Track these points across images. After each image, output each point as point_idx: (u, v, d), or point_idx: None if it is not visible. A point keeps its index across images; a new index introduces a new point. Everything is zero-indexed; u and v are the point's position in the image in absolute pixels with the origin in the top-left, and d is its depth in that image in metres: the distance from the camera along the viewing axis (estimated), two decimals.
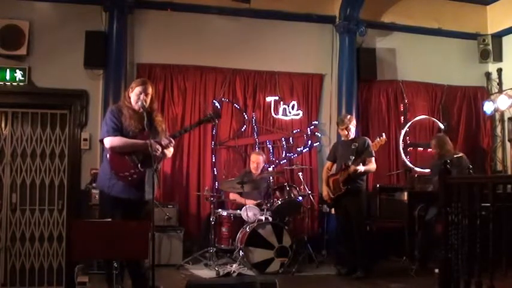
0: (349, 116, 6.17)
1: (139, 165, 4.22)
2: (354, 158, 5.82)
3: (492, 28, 8.29)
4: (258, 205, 6.35)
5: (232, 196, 6.82)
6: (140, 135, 4.25)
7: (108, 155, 4.33)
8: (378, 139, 5.85)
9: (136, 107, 4.33)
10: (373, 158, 5.88)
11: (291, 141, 7.51)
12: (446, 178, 4.15)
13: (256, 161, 6.78)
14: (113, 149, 4.25)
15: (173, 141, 4.33)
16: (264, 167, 6.97)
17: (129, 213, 4.13)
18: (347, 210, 5.91)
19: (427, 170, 7.00)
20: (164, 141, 4.26)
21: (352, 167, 5.72)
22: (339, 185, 5.89)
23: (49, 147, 6.88)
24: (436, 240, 5.63)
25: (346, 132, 6.01)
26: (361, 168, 5.75)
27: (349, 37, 7.57)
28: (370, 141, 5.96)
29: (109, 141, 4.27)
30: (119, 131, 4.26)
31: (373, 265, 5.84)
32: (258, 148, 7.32)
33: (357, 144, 5.88)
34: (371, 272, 5.74)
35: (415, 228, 6.01)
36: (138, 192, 4.23)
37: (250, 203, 6.30)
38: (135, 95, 4.35)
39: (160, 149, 4.23)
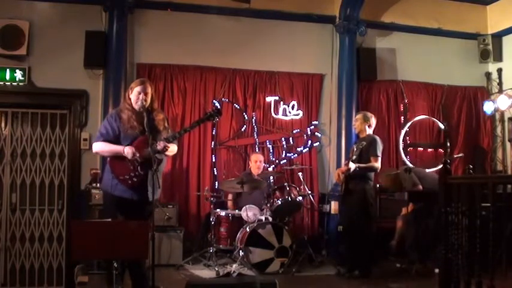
0: (357, 115, 6.18)
1: (139, 167, 4.22)
2: (355, 157, 5.83)
3: (492, 28, 8.28)
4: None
5: (228, 197, 6.83)
6: (141, 137, 4.24)
7: (108, 158, 4.35)
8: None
9: (136, 107, 4.33)
10: (379, 158, 5.79)
11: (291, 141, 7.51)
12: (446, 178, 4.15)
13: (259, 159, 6.80)
14: (97, 153, 4.35)
15: (169, 145, 4.25)
16: (264, 167, 6.97)
17: (132, 214, 4.12)
18: (349, 209, 5.91)
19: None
20: (160, 146, 4.19)
21: (345, 167, 5.77)
22: (342, 185, 5.91)
23: (49, 147, 6.88)
24: (426, 238, 5.70)
25: (356, 130, 6.12)
26: (352, 166, 5.69)
27: (349, 37, 7.57)
28: (377, 140, 5.85)
29: (94, 147, 4.44)
30: (107, 137, 4.28)
31: (372, 265, 5.83)
32: (258, 148, 7.33)
33: (364, 143, 5.86)
34: (370, 272, 5.74)
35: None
36: (140, 193, 4.22)
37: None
38: (134, 96, 4.34)
39: (137, 155, 4.17)
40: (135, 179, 4.20)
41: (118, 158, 4.24)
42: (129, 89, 4.44)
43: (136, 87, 4.37)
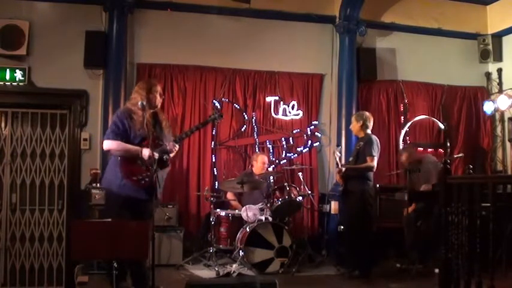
0: (354, 115, 6.18)
1: (149, 167, 4.24)
2: (351, 158, 5.84)
3: (492, 28, 8.28)
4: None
5: (230, 196, 6.83)
6: (151, 137, 4.28)
7: (118, 159, 4.32)
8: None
9: (158, 107, 4.43)
10: (374, 158, 5.74)
11: (291, 141, 7.50)
12: (446, 178, 4.15)
13: (266, 161, 6.82)
14: (108, 151, 4.32)
15: (177, 146, 4.45)
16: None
17: (140, 213, 4.16)
18: (349, 209, 5.92)
19: None
20: (170, 146, 4.36)
21: (338, 169, 5.87)
22: (342, 185, 5.94)
23: (49, 147, 6.88)
24: (427, 238, 5.70)
25: (353, 132, 6.14)
26: (343, 169, 5.81)
27: (349, 37, 7.57)
28: (373, 140, 5.80)
29: (106, 144, 4.37)
30: (120, 135, 4.29)
31: (372, 265, 5.83)
32: (258, 148, 7.33)
33: (361, 143, 5.86)
34: (370, 272, 5.73)
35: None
36: (150, 192, 4.23)
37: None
38: (157, 96, 4.44)
39: (156, 157, 4.23)
40: (147, 179, 4.23)
41: (130, 158, 4.26)
42: (147, 88, 4.43)
43: (157, 86, 4.48)
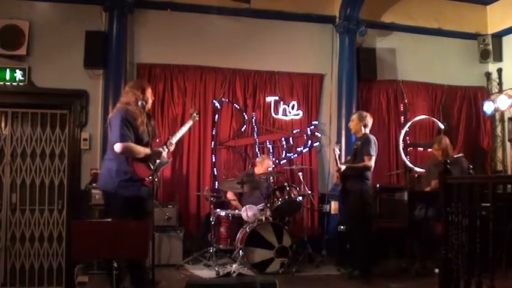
0: (353, 115, 6.16)
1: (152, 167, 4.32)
2: (349, 157, 5.83)
3: (492, 28, 8.29)
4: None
5: (231, 196, 6.82)
6: (152, 141, 4.39)
7: (124, 159, 4.31)
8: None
9: (149, 108, 4.52)
10: (372, 157, 5.72)
11: (291, 141, 7.51)
12: (446, 178, 4.15)
13: (268, 165, 6.84)
14: (123, 153, 4.25)
15: (173, 145, 4.66)
16: None
17: (137, 212, 4.20)
18: (348, 209, 5.92)
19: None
20: (171, 147, 4.57)
21: (337, 167, 5.87)
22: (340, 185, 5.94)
23: (49, 147, 6.89)
24: (433, 240, 5.66)
25: (352, 130, 6.10)
26: (342, 167, 5.80)
27: (349, 37, 7.58)
28: (371, 139, 5.78)
29: (120, 147, 4.24)
30: (130, 137, 4.28)
31: (372, 265, 5.82)
32: (258, 148, 7.32)
33: (359, 143, 5.86)
34: (370, 272, 5.73)
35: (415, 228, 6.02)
36: (149, 191, 4.30)
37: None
38: (150, 97, 4.51)
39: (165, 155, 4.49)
40: (155, 178, 4.28)
41: (140, 160, 4.30)
42: (141, 89, 4.45)
43: (149, 87, 4.55)
